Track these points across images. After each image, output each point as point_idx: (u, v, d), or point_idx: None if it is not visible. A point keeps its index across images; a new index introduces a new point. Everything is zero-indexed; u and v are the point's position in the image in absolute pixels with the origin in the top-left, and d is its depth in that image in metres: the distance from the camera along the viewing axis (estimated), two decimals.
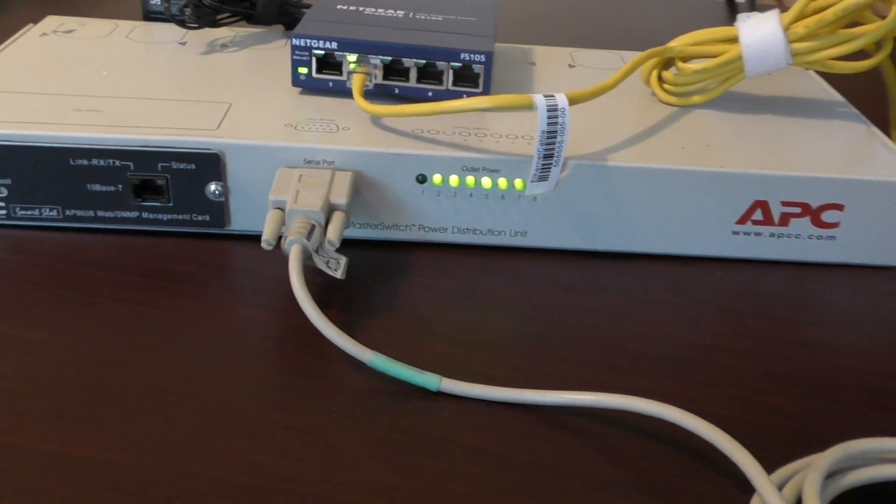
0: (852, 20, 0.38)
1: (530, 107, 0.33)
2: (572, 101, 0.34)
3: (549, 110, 0.33)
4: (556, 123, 0.33)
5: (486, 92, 0.38)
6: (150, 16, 0.48)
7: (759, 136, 0.38)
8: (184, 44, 0.44)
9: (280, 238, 0.32)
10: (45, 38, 0.44)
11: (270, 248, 0.31)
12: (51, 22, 0.46)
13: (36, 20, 0.46)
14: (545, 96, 0.33)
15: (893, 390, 0.30)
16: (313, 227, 0.31)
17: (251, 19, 0.46)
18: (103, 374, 0.28)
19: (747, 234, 0.36)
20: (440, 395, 0.29)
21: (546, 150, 0.34)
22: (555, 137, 0.34)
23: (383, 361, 0.29)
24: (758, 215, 0.36)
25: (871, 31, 0.38)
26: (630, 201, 0.36)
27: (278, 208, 0.33)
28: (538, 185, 0.35)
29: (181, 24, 0.43)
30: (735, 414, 0.29)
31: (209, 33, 0.45)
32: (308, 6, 0.47)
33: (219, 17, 0.44)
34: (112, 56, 0.42)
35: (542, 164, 0.34)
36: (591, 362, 0.31)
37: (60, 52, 0.42)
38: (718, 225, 0.36)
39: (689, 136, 0.38)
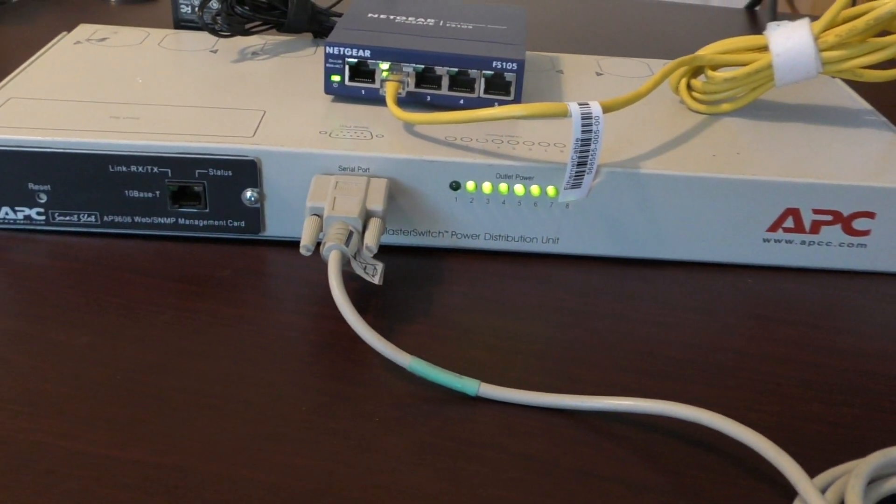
0: (883, 29, 0.38)
1: (565, 115, 0.34)
2: (606, 110, 0.34)
3: (583, 118, 0.33)
4: (590, 131, 0.34)
5: (517, 100, 0.39)
6: (181, 24, 0.48)
7: (789, 144, 0.39)
8: (215, 52, 0.45)
9: (318, 244, 0.32)
10: (79, 46, 0.44)
11: (309, 253, 0.32)
12: (84, 30, 0.46)
13: (65, 29, 0.47)
14: (580, 104, 0.34)
15: None
16: (351, 233, 0.32)
17: (281, 28, 0.46)
18: (147, 378, 0.29)
19: (778, 241, 0.37)
20: (479, 400, 0.29)
21: (580, 157, 0.34)
22: (589, 145, 0.34)
23: (422, 366, 0.29)
24: (789, 223, 0.36)
25: None
26: (661, 209, 0.36)
27: (316, 214, 0.33)
28: (571, 192, 0.35)
29: (213, 32, 0.43)
30: (772, 420, 0.29)
31: (239, 42, 0.46)
32: (338, 15, 0.48)
33: (249, 25, 0.45)
34: (146, 64, 0.42)
35: (576, 172, 0.34)
36: (626, 368, 0.31)
37: (95, 60, 0.42)
38: (749, 232, 0.36)
39: (720, 144, 0.38)
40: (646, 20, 0.71)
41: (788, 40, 0.39)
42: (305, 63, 0.44)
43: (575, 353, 0.32)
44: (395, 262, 0.36)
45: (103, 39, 0.45)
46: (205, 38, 0.46)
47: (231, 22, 0.43)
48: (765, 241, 0.37)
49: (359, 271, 0.32)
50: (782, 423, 0.29)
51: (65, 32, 0.46)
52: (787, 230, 0.36)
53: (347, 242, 0.31)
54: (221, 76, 0.41)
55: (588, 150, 0.34)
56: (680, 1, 0.79)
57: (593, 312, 0.34)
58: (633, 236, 0.37)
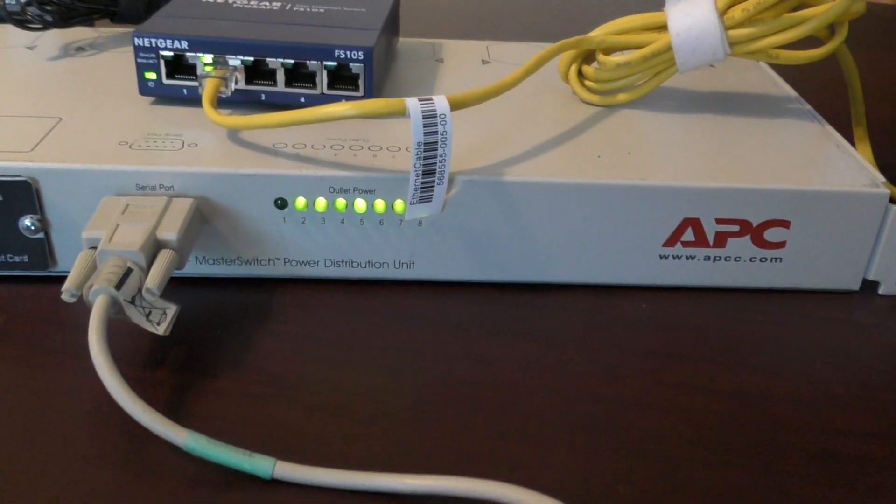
0: (799, 2, 0.32)
1: (402, 113, 0.27)
2: (456, 106, 0.28)
3: (425, 117, 0.27)
4: (434, 132, 0.27)
5: (368, 95, 0.32)
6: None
7: (692, 140, 0.33)
8: (32, 48, 0.38)
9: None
10: None
11: (74, 299, 0.25)
12: None
13: None
14: (421, 100, 0.27)
15: (850, 454, 0.25)
16: (129, 270, 0.25)
17: (114, 18, 0.40)
18: None
19: (677, 257, 0.31)
20: (274, 483, 0.23)
21: (426, 164, 0.28)
22: (434, 149, 0.28)
23: (201, 444, 0.23)
24: (688, 235, 0.30)
25: (820, 13, 0.32)
26: (534, 223, 0.30)
27: (93, 247, 0.27)
28: (420, 206, 0.29)
29: (21, 25, 0.37)
30: (643, 495, 0.23)
31: (67, 35, 0.39)
32: None
33: (70, 16, 0.38)
34: None
35: (423, 183, 0.28)
36: (478, 429, 0.25)
37: None
38: (642, 248, 0.30)
39: (610, 143, 0.32)
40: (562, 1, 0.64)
41: (689, 17, 0.33)
42: (133, 59, 0.37)
43: (416, 413, 0.26)
44: (214, 299, 0.30)
45: None
46: (25, 31, 0.39)
47: (44, 12, 0.37)
48: (661, 257, 0.31)
49: (138, 320, 0.25)
50: (657, 498, 0.23)
51: None
52: (686, 244, 0.30)
53: (121, 283, 0.25)
54: (27, 77, 0.35)
55: (434, 156, 0.28)
56: None
57: (448, 355, 0.28)
58: (501, 257, 0.30)
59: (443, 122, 0.27)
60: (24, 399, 0.25)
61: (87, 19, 0.38)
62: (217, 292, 0.30)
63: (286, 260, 0.30)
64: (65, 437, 0.24)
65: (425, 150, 0.27)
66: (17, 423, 0.24)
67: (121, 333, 0.27)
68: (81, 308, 0.29)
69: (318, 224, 0.30)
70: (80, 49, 0.38)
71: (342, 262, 0.30)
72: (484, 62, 0.40)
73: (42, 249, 0.29)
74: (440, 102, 0.28)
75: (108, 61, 0.37)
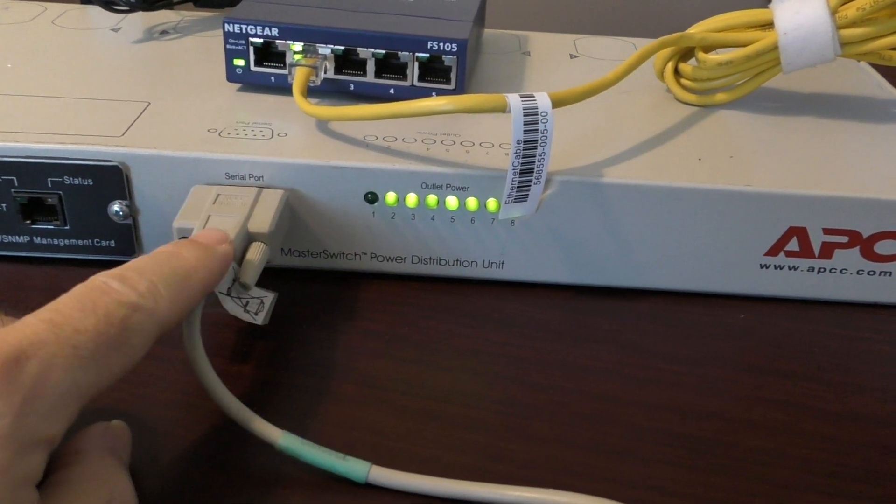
0: None
1: (503, 109, 0.26)
2: (557, 103, 0.27)
3: (526, 114, 0.26)
4: (535, 131, 0.26)
5: (459, 89, 0.31)
6: None
7: (796, 145, 0.31)
8: (117, 30, 0.38)
9: None
10: None
11: None
12: None
13: None
14: (522, 97, 0.26)
15: None
16: None
17: (198, 1, 0.39)
18: None
19: (779, 267, 0.29)
20: (368, 487, 0.22)
21: (524, 163, 0.27)
22: (534, 148, 0.27)
23: (296, 444, 0.22)
24: (793, 245, 0.29)
25: None
26: (631, 227, 0.29)
27: (184, 237, 0.26)
28: (515, 206, 0.28)
29: (107, 6, 0.36)
30: None
31: (149, 18, 0.39)
32: None
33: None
34: (28, 45, 0.36)
35: (520, 182, 0.27)
36: (573, 440, 0.24)
37: None
38: (743, 256, 0.29)
39: (710, 145, 0.31)
40: None
41: (798, 15, 0.31)
42: (218, 44, 0.37)
43: (508, 419, 0.25)
44: (299, 291, 0.29)
45: None
46: (110, 14, 0.39)
47: None
48: (762, 266, 0.29)
49: (235, 311, 0.25)
50: None
51: None
52: (790, 254, 0.29)
53: None
54: (113, 60, 0.35)
55: (533, 155, 0.27)
56: None
57: (540, 361, 0.27)
58: (595, 260, 0.29)
59: (544, 120, 0.26)
60: (118, 385, 0.25)
61: (170, 2, 0.38)
62: (301, 285, 0.29)
63: (373, 255, 0.30)
64: (151, 427, 0.24)
65: (524, 149, 0.26)
66: (102, 410, 0.24)
67: (205, 324, 0.27)
68: None
69: (407, 220, 0.29)
70: (164, 32, 0.38)
71: (430, 259, 0.30)
72: (572, 56, 0.38)
73: (129, 235, 0.29)
74: (542, 100, 0.26)
75: (192, 45, 0.37)
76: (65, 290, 0.29)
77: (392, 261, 0.30)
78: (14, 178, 0.28)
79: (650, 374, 0.27)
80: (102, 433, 0.21)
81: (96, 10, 0.40)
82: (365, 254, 0.30)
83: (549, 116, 0.26)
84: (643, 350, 0.28)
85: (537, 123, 0.26)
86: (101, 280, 0.20)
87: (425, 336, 0.28)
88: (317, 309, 0.29)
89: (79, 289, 0.19)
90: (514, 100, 0.26)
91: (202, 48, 0.36)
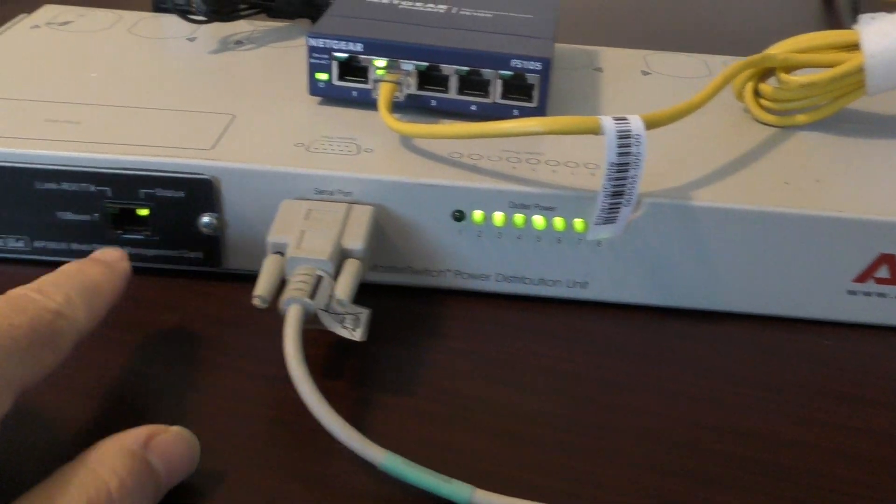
0: None
1: (596, 132, 0.26)
2: (651, 125, 0.27)
3: (620, 137, 0.26)
4: (628, 154, 0.26)
5: (541, 106, 0.31)
6: (160, 6, 0.42)
7: (882, 168, 0.31)
8: (193, 40, 0.38)
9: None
10: (37, 31, 0.38)
11: (265, 305, 0.25)
12: (46, 12, 0.40)
13: (34, 9, 0.41)
14: (616, 119, 0.26)
15: None
16: (319, 279, 0.25)
17: (271, 12, 0.39)
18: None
19: (868, 294, 0.29)
20: None
21: (615, 185, 0.27)
22: (626, 171, 0.27)
23: (399, 465, 0.22)
24: (883, 272, 0.29)
25: None
26: (718, 250, 0.29)
27: (278, 252, 0.26)
28: (603, 227, 0.28)
29: (185, 16, 0.37)
30: None
31: (223, 28, 0.39)
32: None
33: (232, 9, 0.38)
34: (107, 54, 0.36)
35: (610, 203, 0.27)
36: (667, 468, 0.24)
37: (49, 48, 0.36)
38: (831, 282, 0.29)
39: (794, 168, 0.30)
40: (700, 7, 0.63)
41: (887, 38, 0.31)
42: (296, 55, 0.37)
43: (599, 443, 0.25)
44: (382, 307, 0.29)
45: (66, 23, 0.39)
46: (184, 22, 0.39)
47: (209, 4, 0.37)
48: (850, 293, 0.29)
49: (333, 327, 0.25)
50: None
51: (24, 14, 0.40)
52: (880, 281, 0.29)
53: (314, 293, 0.25)
54: (192, 70, 0.35)
55: (625, 177, 0.27)
56: None
57: (627, 384, 0.27)
58: (679, 282, 0.29)
59: (637, 143, 0.26)
60: (205, 399, 0.25)
61: (248, 13, 0.38)
62: (384, 301, 0.30)
63: (456, 272, 0.30)
64: (246, 444, 0.24)
65: (617, 171, 0.26)
66: (200, 424, 0.24)
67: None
68: (253, 310, 0.28)
69: (493, 238, 0.29)
70: (239, 42, 0.38)
71: (513, 277, 0.30)
72: (644, 73, 0.38)
73: (216, 247, 0.29)
74: (635, 122, 0.26)
75: (268, 56, 0.37)
76: (149, 299, 0.29)
77: (475, 278, 0.30)
78: (108, 188, 0.28)
79: (738, 399, 0.27)
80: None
81: (170, 19, 0.40)
82: (449, 270, 0.30)
83: (643, 139, 0.26)
84: (729, 375, 0.28)
85: (630, 146, 0.26)
86: (23, 291, 0.22)
87: (512, 356, 0.28)
88: (401, 325, 0.29)
89: (2, 298, 0.21)
90: (607, 122, 0.26)
91: (278, 59, 0.37)
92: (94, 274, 0.24)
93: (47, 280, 0.23)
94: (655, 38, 0.55)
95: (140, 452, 0.21)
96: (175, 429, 0.22)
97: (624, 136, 0.26)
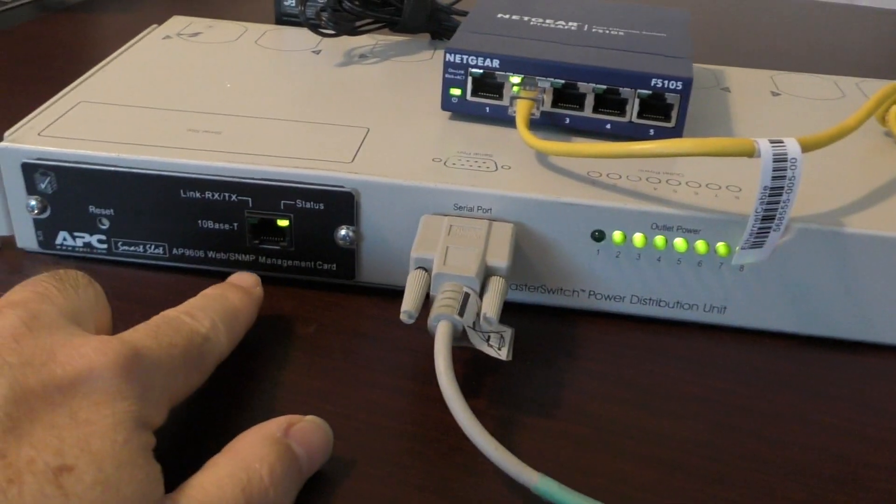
0: None
1: (751, 154, 0.26)
2: (807, 148, 0.26)
3: (776, 160, 0.25)
4: (783, 178, 0.26)
5: (679, 126, 0.31)
6: (283, 18, 0.43)
7: None
8: (318, 52, 0.38)
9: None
10: (168, 41, 0.39)
11: (412, 321, 0.25)
12: (176, 23, 0.41)
13: (163, 20, 0.42)
14: (772, 142, 0.26)
15: None
16: (467, 296, 0.25)
17: (395, 27, 0.40)
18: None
19: None
20: None
21: (767, 210, 0.26)
22: (779, 195, 0.26)
23: (555, 489, 0.22)
24: None
25: None
26: (866, 278, 0.28)
27: (422, 268, 0.26)
28: (750, 252, 0.27)
29: (315, 29, 0.37)
30: None
31: (346, 41, 0.40)
32: (461, 13, 0.41)
33: (359, 23, 0.38)
34: (238, 65, 0.37)
35: (760, 228, 0.26)
36: (822, 497, 0.23)
37: (182, 58, 0.37)
38: None
39: None
40: (817, 25, 0.61)
41: None
42: (420, 69, 0.37)
43: (753, 476, 0.24)
44: (514, 325, 0.29)
45: (196, 34, 0.40)
46: (308, 35, 0.40)
47: (338, 19, 0.37)
48: None
49: (480, 346, 0.25)
50: None
51: (155, 25, 0.41)
52: None
53: (462, 310, 0.24)
54: (322, 83, 0.35)
55: (778, 202, 0.26)
56: (847, 3, 0.69)
57: (774, 414, 0.26)
58: (824, 311, 0.28)
59: (793, 167, 0.26)
60: (345, 412, 0.25)
61: (373, 27, 0.39)
62: (518, 319, 0.29)
63: (592, 292, 0.29)
64: (389, 459, 0.24)
65: (770, 195, 0.26)
66: (340, 438, 0.24)
67: (431, 358, 0.27)
68: (388, 324, 0.29)
69: (632, 259, 0.28)
70: (363, 56, 0.38)
71: (650, 300, 0.29)
72: (774, 94, 0.37)
73: (351, 260, 0.30)
74: (791, 146, 0.26)
75: (394, 70, 0.37)
76: (282, 308, 0.29)
77: (611, 299, 0.29)
78: (249, 198, 0.29)
79: (886, 434, 0.26)
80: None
81: (293, 31, 0.41)
82: (584, 291, 0.29)
83: (798, 163, 0.26)
84: (876, 408, 0.27)
85: (786, 170, 0.26)
86: (176, 314, 0.23)
87: (650, 380, 0.27)
88: (536, 344, 0.28)
89: (160, 318, 0.23)
90: (763, 145, 0.26)
91: (404, 73, 0.37)
92: (234, 300, 0.25)
93: (195, 304, 0.24)
94: (775, 58, 0.54)
95: (283, 439, 0.21)
96: (310, 417, 0.23)
97: (780, 160, 0.25)
